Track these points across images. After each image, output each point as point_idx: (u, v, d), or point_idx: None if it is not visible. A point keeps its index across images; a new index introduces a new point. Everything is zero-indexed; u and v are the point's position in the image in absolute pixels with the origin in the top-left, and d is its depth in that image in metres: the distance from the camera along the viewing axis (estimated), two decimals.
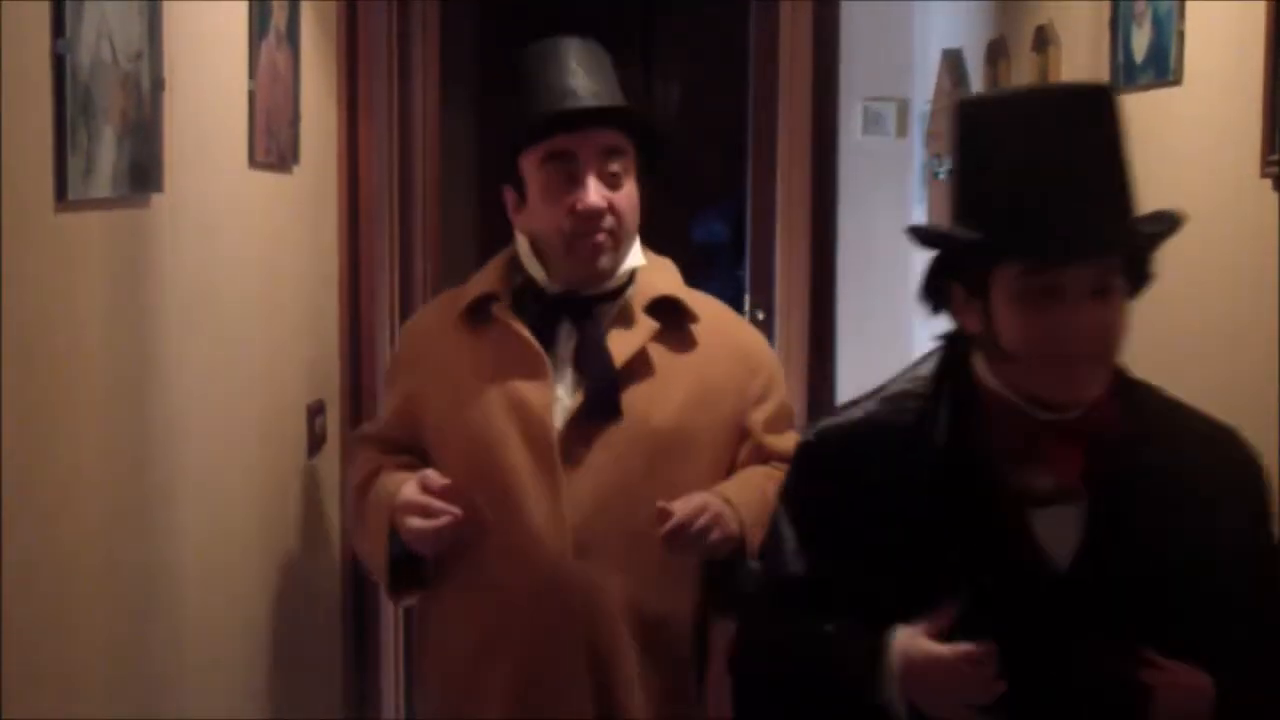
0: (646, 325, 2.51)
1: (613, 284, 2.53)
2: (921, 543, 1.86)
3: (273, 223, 3.17)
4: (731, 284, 5.52)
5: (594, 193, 2.45)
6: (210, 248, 2.64)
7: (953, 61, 4.11)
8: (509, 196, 2.57)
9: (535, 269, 2.54)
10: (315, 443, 3.44)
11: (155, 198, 2.31)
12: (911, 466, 1.89)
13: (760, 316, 4.79)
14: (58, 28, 1.88)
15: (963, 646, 1.80)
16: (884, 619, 1.86)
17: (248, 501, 2.91)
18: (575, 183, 2.46)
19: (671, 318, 2.53)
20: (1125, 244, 1.83)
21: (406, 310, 4.24)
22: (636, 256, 2.56)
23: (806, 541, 1.97)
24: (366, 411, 3.96)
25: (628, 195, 2.50)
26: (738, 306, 4.90)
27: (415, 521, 2.43)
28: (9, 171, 1.76)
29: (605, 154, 2.48)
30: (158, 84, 2.25)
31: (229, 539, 2.78)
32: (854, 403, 2.03)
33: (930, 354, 2.00)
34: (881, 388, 2.01)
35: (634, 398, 2.47)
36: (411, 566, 2.59)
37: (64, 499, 1.97)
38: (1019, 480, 1.86)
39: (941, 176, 4.15)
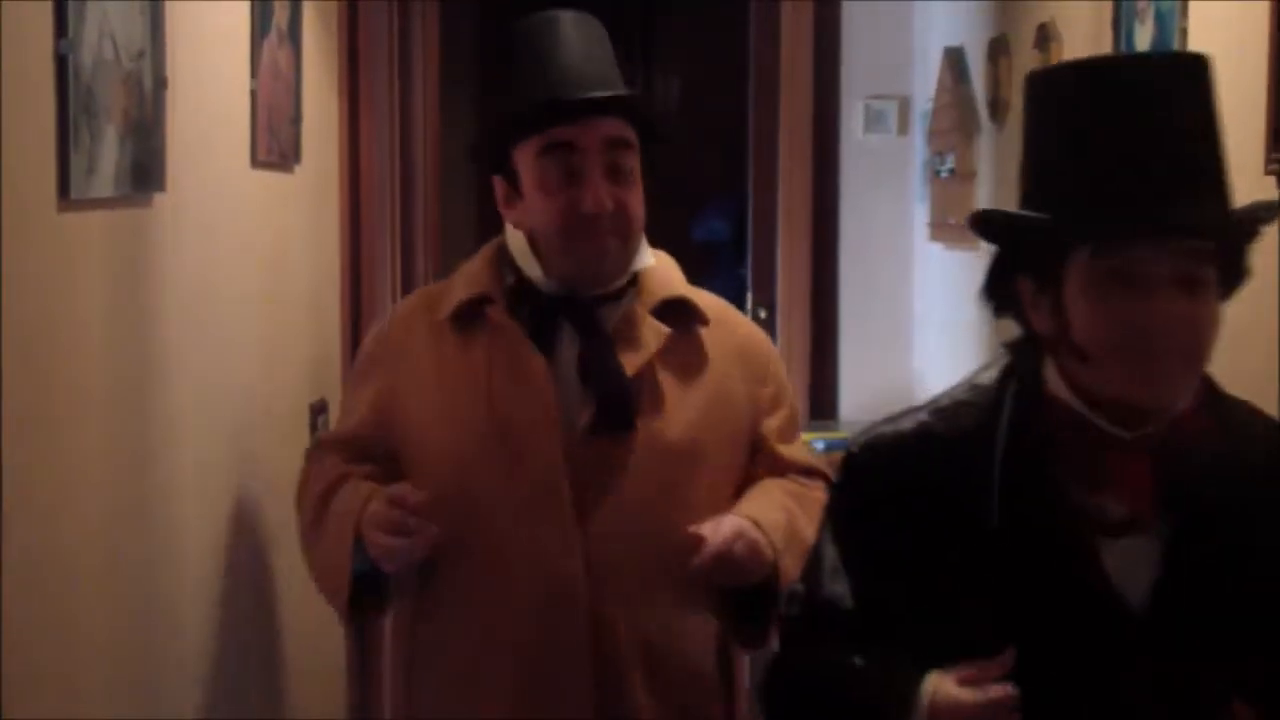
0: (656, 330, 2.29)
1: (617, 284, 2.31)
2: (975, 571, 1.67)
3: (274, 221, 3.17)
4: (733, 283, 5.52)
5: (599, 191, 2.22)
6: (212, 247, 2.64)
7: (954, 59, 4.11)
8: (499, 188, 2.32)
9: (531, 267, 2.30)
10: None
11: (157, 197, 2.31)
12: (968, 485, 1.68)
13: (762, 315, 4.78)
14: (60, 27, 1.88)
15: (988, 692, 1.61)
16: (930, 650, 1.67)
17: (249, 501, 2.91)
18: (577, 177, 2.23)
19: (678, 320, 2.33)
20: (1218, 226, 1.61)
21: None
22: (644, 255, 2.34)
23: (849, 562, 1.78)
24: None
25: (634, 190, 2.27)
26: (740, 305, 4.90)
27: (387, 539, 2.19)
28: (12, 170, 1.76)
29: (610, 146, 2.24)
30: (160, 83, 2.25)
31: (230, 538, 2.78)
32: (905, 413, 1.82)
33: (991, 362, 1.79)
34: (935, 398, 1.80)
35: (645, 409, 2.26)
36: (371, 585, 2.33)
37: (65, 498, 1.96)
38: (1090, 505, 1.65)
39: (944, 175, 4.15)
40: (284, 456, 3.17)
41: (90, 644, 2.06)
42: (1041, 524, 1.66)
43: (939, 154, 4.21)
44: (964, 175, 3.97)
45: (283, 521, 3.15)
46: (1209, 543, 1.65)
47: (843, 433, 4.36)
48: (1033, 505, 1.66)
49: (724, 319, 2.42)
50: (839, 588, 1.77)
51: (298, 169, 3.35)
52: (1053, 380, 1.69)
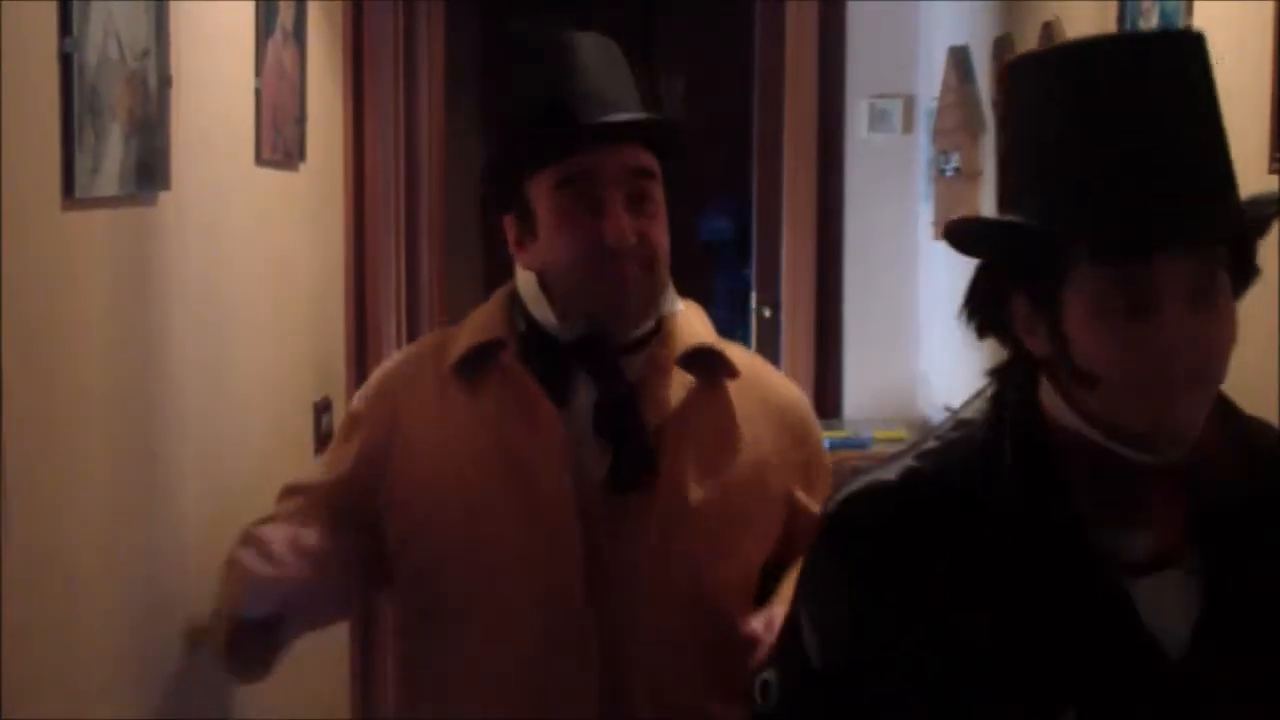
0: (682, 381, 2.09)
1: (640, 332, 2.11)
2: (986, 629, 1.46)
3: (279, 220, 3.17)
4: (738, 282, 5.52)
5: (621, 224, 2.03)
6: (216, 245, 2.64)
7: (959, 58, 4.11)
8: (511, 229, 2.14)
9: (545, 313, 2.10)
10: (322, 440, 3.43)
11: (162, 195, 2.31)
12: (969, 533, 1.47)
13: (767, 314, 4.79)
14: (64, 26, 1.88)
15: None
16: None
17: (253, 500, 2.90)
18: (597, 209, 2.03)
19: (706, 373, 2.13)
20: (1234, 226, 1.44)
21: (412, 307, 4.24)
22: (672, 300, 2.15)
23: (833, 639, 1.55)
24: None
25: (659, 222, 2.08)
26: (744, 305, 4.91)
27: (251, 558, 1.94)
28: (15, 169, 1.76)
29: (631, 175, 2.06)
30: (164, 82, 2.25)
31: (233, 538, 2.77)
32: (887, 461, 1.59)
33: (976, 396, 1.58)
34: (918, 443, 1.59)
35: (668, 467, 2.06)
36: (260, 635, 2.04)
37: (67, 497, 1.96)
38: (1113, 542, 1.46)
39: (949, 174, 4.15)
40: (288, 455, 3.16)
41: (90, 644, 2.06)
42: (1060, 567, 1.45)
43: (944, 153, 4.21)
44: (969, 174, 3.97)
45: None
46: (1250, 574, 1.46)
47: (846, 432, 4.36)
48: (1048, 547, 1.46)
49: (757, 375, 2.22)
50: (821, 669, 1.55)
51: (302, 167, 3.35)
52: (1055, 407, 1.49)
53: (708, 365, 2.13)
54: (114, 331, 2.13)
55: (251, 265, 2.91)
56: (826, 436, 4.14)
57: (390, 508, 2.12)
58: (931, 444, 1.56)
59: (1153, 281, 1.39)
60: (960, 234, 1.48)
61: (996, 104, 3.77)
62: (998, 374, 1.55)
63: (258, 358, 2.96)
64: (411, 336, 4.18)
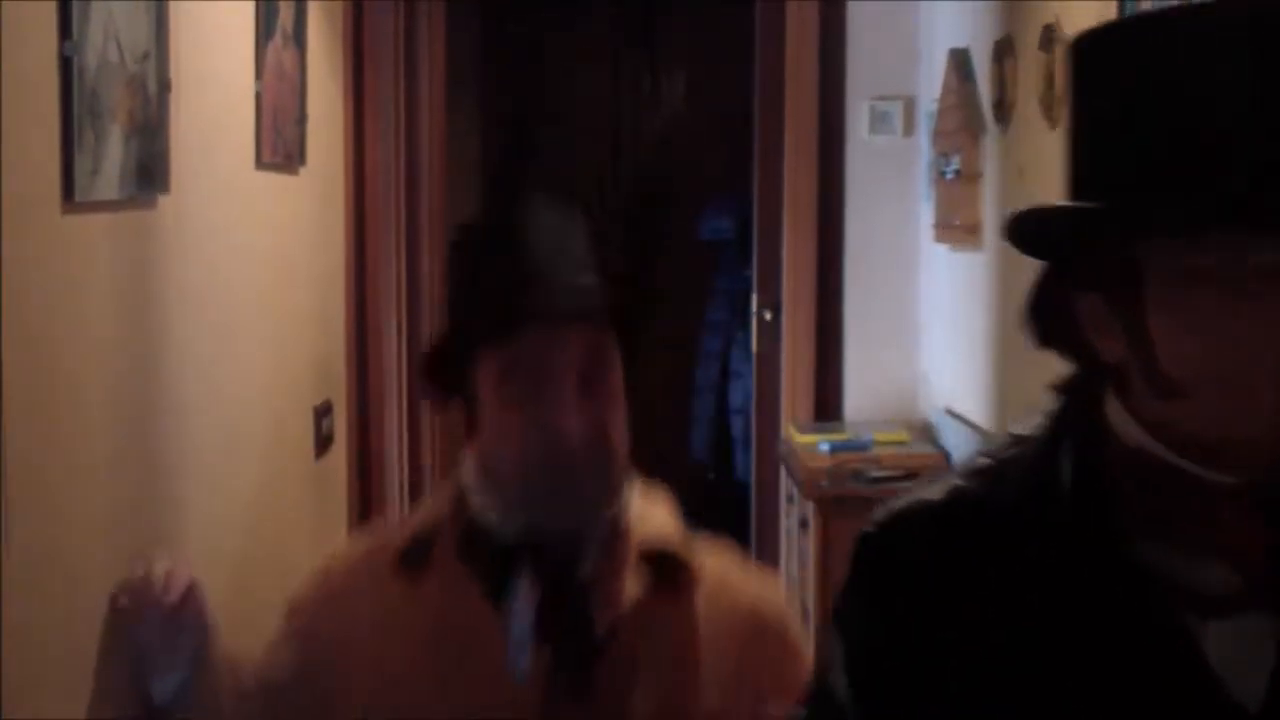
0: (636, 582, 1.91)
1: (594, 529, 1.91)
2: (1038, 671, 1.33)
3: (279, 223, 3.18)
4: (738, 282, 5.52)
5: (569, 411, 1.85)
6: (216, 249, 2.65)
7: (960, 60, 4.11)
8: (461, 414, 1.95)
9: (486, 504, 1.91)
10: (322, 443, 3.44)
11: (161, 199, 2.31)
12: (1021, 562, 1.35)
13: (768, 317, 4.79)
14: (65, 29, 1.89)
15: None
16: None
17: (254, 502, 2.91)
18: (544, 401, 1.85)
19: (666, 573, 1.94)
20: None
21: (412, 308, 4.24)
22: (630, 493, 1.95)
23: (867, 678, 1.43)
24: (373, 414, 3.95)
25: (615, 409, 1.89)
26: (745, 305, 4.91)
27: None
28: (16, 172, 1.77)
29: (584, 356, 1.87)
30: (164, 85, 2.26)
31: (235, 539, 2.78)
32: (931, 480, 1.47)
33: (1034, 410, 1.45)
34: (968, 459, 1.47)
35: (614, 679, 1.87)
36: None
37: (67, 498, 1.97)
38: (1184, 578, 1.31)
39: (949, 176, 4.15)
40: (288, 458, 3.17)
41: (90, 644, 2.06)
42: (1120, 602, 1.32)
43: (944, 155, 4.21)
44: (969, 176, 3.97)
45: (286, 521, 3.15)
46: None
47: (846, 434, 4.36)
48: (1107, 579, 1.32)
49: (726, 578, 2.00)
50: (854, 699, 1.44)
51: (303, 170, 3.35)
52: (1121, 422, 1.33)
53: (668, 566, 1.94)
54: (114, 334, 2.13)
55: (252, 268, 2.92)
56: (827, 439, 4.16)
57: (318, 706, 1.94)
58: (983, 462, 1.43)
59: (1246, 266, 1.21)
60: (1025, 229, 1.32)
61: (998, 103, 3.78)
62: (1062, 388, 1.40)
63: (258, 360, 2.96)
64: (411, 337, 4.18)
